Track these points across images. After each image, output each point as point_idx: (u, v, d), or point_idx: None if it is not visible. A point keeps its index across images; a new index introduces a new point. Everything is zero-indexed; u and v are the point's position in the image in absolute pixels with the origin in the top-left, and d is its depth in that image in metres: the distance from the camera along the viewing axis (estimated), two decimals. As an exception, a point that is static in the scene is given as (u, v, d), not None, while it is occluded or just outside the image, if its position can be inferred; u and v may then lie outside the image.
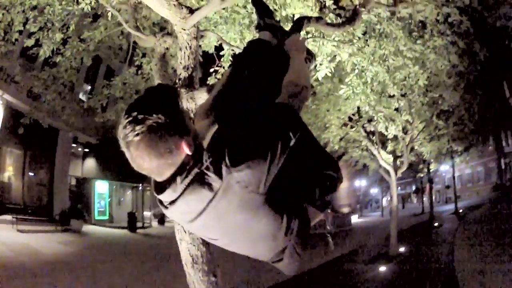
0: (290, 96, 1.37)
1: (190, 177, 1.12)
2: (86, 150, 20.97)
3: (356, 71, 5.28)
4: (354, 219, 36.56)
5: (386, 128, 10.20)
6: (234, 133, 1.25)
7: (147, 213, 24.71)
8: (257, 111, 1.27)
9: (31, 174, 16.97)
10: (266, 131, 1.19)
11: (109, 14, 4.52)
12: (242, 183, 1.11)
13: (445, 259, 11.41)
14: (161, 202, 1.23)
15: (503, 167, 42.09)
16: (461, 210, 29.69)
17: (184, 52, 2.71)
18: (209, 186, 1.12)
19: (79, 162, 20.59)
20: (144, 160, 1.09)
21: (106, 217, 21.17)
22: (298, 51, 1.65)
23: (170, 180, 1.15)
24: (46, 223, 14.96)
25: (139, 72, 6.42)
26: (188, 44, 2.71)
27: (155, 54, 3.05)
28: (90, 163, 21.09)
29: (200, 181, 1.12)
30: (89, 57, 5.62)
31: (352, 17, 3.92)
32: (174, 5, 2.51)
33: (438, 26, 5.16)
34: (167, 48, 3.07)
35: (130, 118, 1.06)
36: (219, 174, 1.11)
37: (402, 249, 14.46)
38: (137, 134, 1.05)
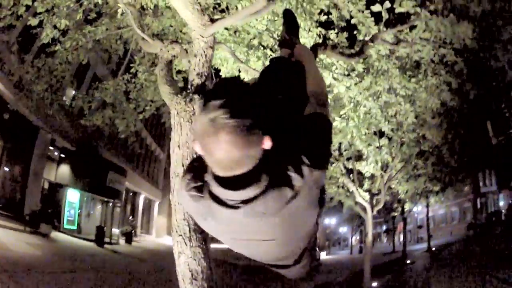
0: (320, 105, 1.43)
1: (271, 174, 1.09)
2: (62, 155, 20.51)
3: (352, 104, 5.39)
4: (323, 255, 36.47)
5: (376, 161, 10.32)
6: (292, 138, 1.24)
7: (115, 230, 24.22)
8: (294, 119, 1.36)
9: (6, 168, 16.47)
10: (324, 138, 1.31)
11: (119, 11, 4.50)
12: (317, 183, 1.19)
13: None
14: (222, 202, 1.13)
15: (478, 206, 42.37)
16: (434, 248, 30.07)
17: (199, 59, 2.69)
18: (291, 185, 1.10)
19: (54, 166, 20.06)
20: (232, 147, 1.00)
21: (75, 227, 20.51)
22: (310, 61, 1.72)
23: (251, 175, 1.08)
24: (14, 221, 14.41)
25: (133, 80, 6.34)
26: (204, 52, 2.71)
27: (161, 60, 3.01)
28: (64, 170, 20.54)
29: (282, 179, 1.10)
30: (86, 54, 5.53)
31: (361, 50, 4.02)
32: (198, 10, 2.52)
33: (432, 66, 5.36)
34: (174, 56, 3.03)
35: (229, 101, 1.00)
36: (300, 174, 1.11)
37: (375, 284, 14.49)
38: (235, 118, 0.98)
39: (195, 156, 2.28)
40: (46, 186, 19.63)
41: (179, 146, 2.31)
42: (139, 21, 3.93)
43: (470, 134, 17.36)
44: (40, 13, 4.93)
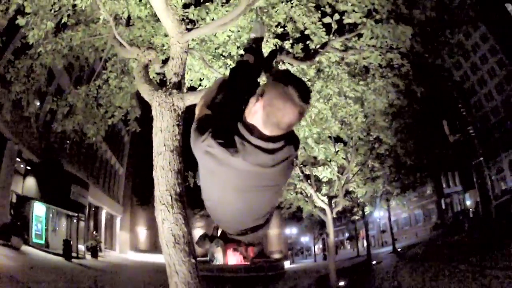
0: None
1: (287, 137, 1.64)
2: (28, 167, 20.06)
3: (303, 105, 5.88)
4: (286, 264, 36.89)
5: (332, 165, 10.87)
6: None
7: (81, 246, 23.78)
8: None
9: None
10: None
11: (100, 19, 4.83)
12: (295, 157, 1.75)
13: (391, 284, 11.98)
14: (262, 149, 1.60)
15: (443, 207, 43.61)
16: (399, 249, 30.91)
17: (176, 62, 3.16)
18: (290, 151, 1.66)
19: (21, 179, 19.56)
20: (298, 120, 1.56)
21: (43, 242, 20.00)
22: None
23: (283, 136, 1.61)
24: None
25: (103, 87, 6.60)
26: (180, 55, 3.18)
27: (138, 64, 3.40)
28: (31, 182, 20.06)
29: (292, 142, 1.67)
30: (61, 60, 5.75)
31: (312, 55, 4.59)
32: (177, 19, 2.99)
33: (379, 69, 5.99)
34: (149, 60, 3.43)
35: (310, 92, 1.57)
36: (296, 148, 1.70)
37: (342, 283, 15.01)
38: (308, 105, 1.55)
39: (176, 137, 2.71)
40: (14, 198, 19.14)
41: (161, 130, 2.74)
42: (114, 29, 4.30)
43: (425, 133, 18.08)
44: (28, 13, 5.15)
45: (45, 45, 5.43)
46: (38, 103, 20.06)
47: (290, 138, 1.63)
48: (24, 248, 15.67)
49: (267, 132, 1.56)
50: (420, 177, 23.75)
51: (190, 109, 2.92)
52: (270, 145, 1.58)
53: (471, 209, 37.29)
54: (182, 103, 2.89)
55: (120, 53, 4.43)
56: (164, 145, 2.67)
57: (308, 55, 4.73)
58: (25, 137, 19.00)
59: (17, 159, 18.75)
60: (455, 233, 26.86)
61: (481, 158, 36.11)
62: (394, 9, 5.00)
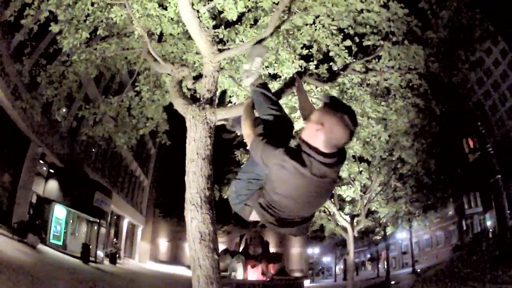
0: None
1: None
2: (51, 170, 20.73)
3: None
4: (306, 283, 36.55)
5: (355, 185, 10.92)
6: None
7: (99, 252, 24.25)
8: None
9: (-5, 176, 16.57)
10: None
11: (135, 33, 5.20)
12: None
13: None
14: (325, 164, 2.13)
15: (464, 228, 42.52)
16: (418, 270, 30.34)
17: (209, 79, 3.49)
18: (340, 166, 2.29)
19: (42, 181, 20.23)
20: (351, 139, 2.13)
21: (61, 243, 20.50)
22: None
23: (335, 153, 2.17)
24: (3, 228, 14.61)
25: (135, 98, 6.93)
26: (212, 74, 3.51)
27: (173, 79, 3.72)
28: (52, 185, 20.71)
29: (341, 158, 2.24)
30: (93, 69, 6.10)
31: (333, 77, 4.86)
32: (209, 41, 3.31)
33: (400, 90, 6.16)
34: (183, 76, 3.75)
35: (356, 117, 2.15)
36: (343, 162, 2.32)
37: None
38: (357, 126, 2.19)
39: (208, 147, 3.00)
40: (34, 199, 19.73)
41: (194, 140, 3.07)
42: (148, 44, 4.63)
43: (445, 152, 17.86)
44: (60, 21, 5.45)
45: (79, 54, 5.77)
46: (64, 109, 20.92)
47: (341, 153, 2.19)
48: (41, 247, 16.12)
49: (327, 151, 2.11)
50: (441, 198, 23.34)
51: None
52: (330, 160, 2.12)
53: (490, 230, 36.21)
54: (214, 117, 3.19)
55: (153, 68, 4.76)
56: (197, 154, 3.01)
57: (331, 76, 4.98)
58: (50, 141, 19.71)
59: (40, 161, 19.42)
60: (474, 254, 26.18)
61: (499, 176, 35.07)
62: (408, 30, 5.22)
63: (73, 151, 23.26)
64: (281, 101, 5.73)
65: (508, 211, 34.99)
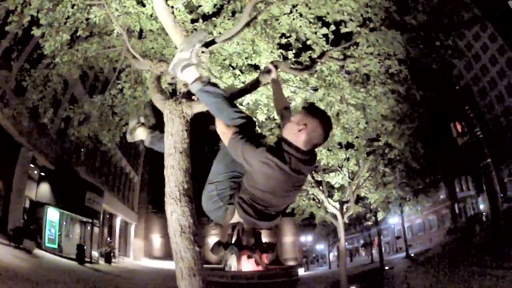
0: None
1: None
2: (42, 174, 20.69)
3: (305, 112, 6.15)
4: (301, 272, 36.87)
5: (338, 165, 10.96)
6: None
7: (94, 252, 24.28)
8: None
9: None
10: None
11: (114, 32, 5.19)
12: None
13: (399, 287, 12.04)
14: (303, 160, 2.36)
15: (457, 211, 43.21)
16: (412, 255, 30.76)
17: None
18: (314, 163, 2.58)
19: (34, 185, 20.20)
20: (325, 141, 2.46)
21: (56, 246, 20.53)
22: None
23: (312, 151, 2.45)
24: None
25: (118, 95, 6.94)
26: None
27: (151, 75, 3.75)
28: (44, 188, 20.67)
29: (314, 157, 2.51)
30: (76, 70, 6.09)
31: (310, 65, 4.91)
32: (185, 35, 3.35)
33: (380, 77, 6.23)
34: (161, 72, 3.77)
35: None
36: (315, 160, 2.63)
37: (353, 287, 15.06)
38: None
39: (185, 140, 3.05)
40: (27, 204, 19.73)
41: (171, 134, 3.13)
42: (127, 42, 4.64)
43: (433, 137, 17.90)
44: (43, 25, 5.44)
45: (61, 56, 5.76)
46: (52, 111, 20.71)
47: (314, 153, 2.44)
48: (37, 251, 16.18)
49: (305, 149, 2.35)
50: (431, 182, 23.58)
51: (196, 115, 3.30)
52: (307, 158, 2.36)
53: (484, 213, 36.78)
54: (191, 110, 3.24)
55: (133, 65, 4.77)
56: (174, 147, 3.06)
57: (308, 65, 5.03)
58: (40, 144, 19.60)
59: (31, 165, 19.38)
60: (468, 237, 26.59)
61: (489, 160, 35.59)
62: (387, 16, 5.28)
63: (63, 153, 23.14)
64: (261, 91, 5.83)
65: (501, 195, 35.53)
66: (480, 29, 41.76)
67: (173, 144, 3.09)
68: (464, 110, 42.10)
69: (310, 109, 2.41)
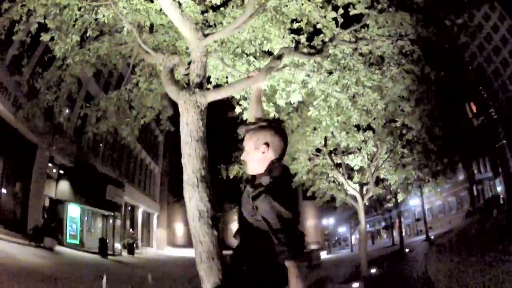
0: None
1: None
2: (61, 172, 21.05)
3: (323, 96, 6.20)
4: (323, 255, 36.94)
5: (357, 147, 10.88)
6: None
7: (117, 245, 24.70)
8: None
9: (7, 186, 16.90)
10: None
11: (124, 29, 5.28)
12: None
13: (419, 272, 12.02)
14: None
15: (475, 194, 42.61)
16: (432, 237, 30.57)
17: (197, 65, 3.61)
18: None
19: (53, 183, 20.55)
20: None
21: (77, 242, 20.95)
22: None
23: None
24: (19, 236, 14.93)
25: (134, 90, 7.02)
26: (200, 59, 3.61)
27: (164, 68, 3.82)
28: (64, 186, 21.04)
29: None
30: (90, 69, 6.20)
31: (321, 49, 4.90)
32: (194, 28, 3.40)
33: (394, 57, 6.16)
34: (174, 64, 3.84)
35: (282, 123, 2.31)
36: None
37: (373, 270, 15.09)
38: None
39: (200, 128, 3.11)
40: (47, 202, 20.09)
41: (187, 124, 3.21)
42: (140, 37, 4.71)
43: (449, 118, 17.63)
44: (50, 29, 5.52)
45: (73, 57, 5.83)
46: (67, 110, 21.08)
47: None
48: (58, 248, 16.44)
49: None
50: (449, 163, 23.21)
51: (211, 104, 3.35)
52: None
53: (501, 196, 36.15)
54: (204, 99, 3.31)
55: (146, 59, 4.85)
56: (190, 136, 3.15)
57: (319, 49, 5.01)
58: (57, 143, 19.91)
59: (49, 164, 19.71)
60: (486, 220, 26.23)
61: (504, 141, 34.73)
62: (394, -3, 5.21)
63: (81, 150, 23.55)
64: (277, 76, 5.83)
65: None
66: (490, 9, 40.67)
67: (189, 133, 3.17)
68: (479, 91, 41.18)
69: (254, 129, 2.11)
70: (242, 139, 2.20)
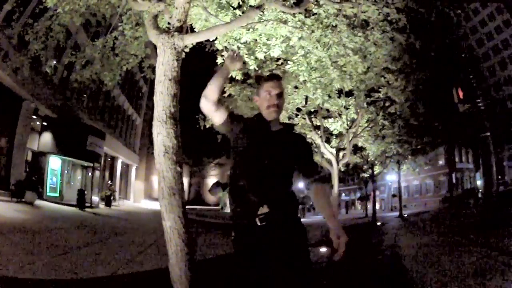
0: None
1: None
2: (44, 123, 20.74)
3: (303, 52, 6.30)
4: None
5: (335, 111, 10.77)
6: None
7: (95, 198, 24.78)
8: None
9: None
10: None
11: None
12: None
13: (388, 243, 12.53)
14: None
15: (454, 181, 43.20)
16: (406, 215, 31.36)
17: (179, 10, 3.72)
18: None
19: (36, 135, 20.27)
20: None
21: (57, 194, 20.89)
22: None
23: None
24: (1, 193, 14.98)
25: (119, 38, 7.03)
26: (183, 6, 3.70)
27: (149, 14, 3.91)
28: (47, 138, 20.72)
29: None
30: (79, 18, 6.16)
31: (300, 2, 4.96)
32: None
33: (379, 23, 6.24)
34: (159, 11, 3.91)
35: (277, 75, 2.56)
36: None
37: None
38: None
39: (175, 68, 3.22)
40: (30, 155, 19.88)
41: (162, 64, 3.33)
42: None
43: (435, 98, 17.74)
44: None
45: (63, 6, 5.83)
46: (54, 61, 20.63)
47: None
48: (38, 202, 16.44)
49: None
50: (430, 142, 23.56)
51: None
52: None
53: (480, 190, 36.86)
54: (182, 42, 3.43)
55: (133, 7, 4.86)
56: (164, 75, 3.29)
57: (298, 2, 5.08)
58: (42, 94, 19.57)
59: (34, 116, 19.41)
60: (461, 209, 27.00)
61: (488, 133, 35.21)
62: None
63: (66, 100, 23.20)
64: (260, 29, 5.84)
65: (499, 177, 35.16)
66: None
67: (163, 72, 3.29)
68: (467, 75, 41.46)
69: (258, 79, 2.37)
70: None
